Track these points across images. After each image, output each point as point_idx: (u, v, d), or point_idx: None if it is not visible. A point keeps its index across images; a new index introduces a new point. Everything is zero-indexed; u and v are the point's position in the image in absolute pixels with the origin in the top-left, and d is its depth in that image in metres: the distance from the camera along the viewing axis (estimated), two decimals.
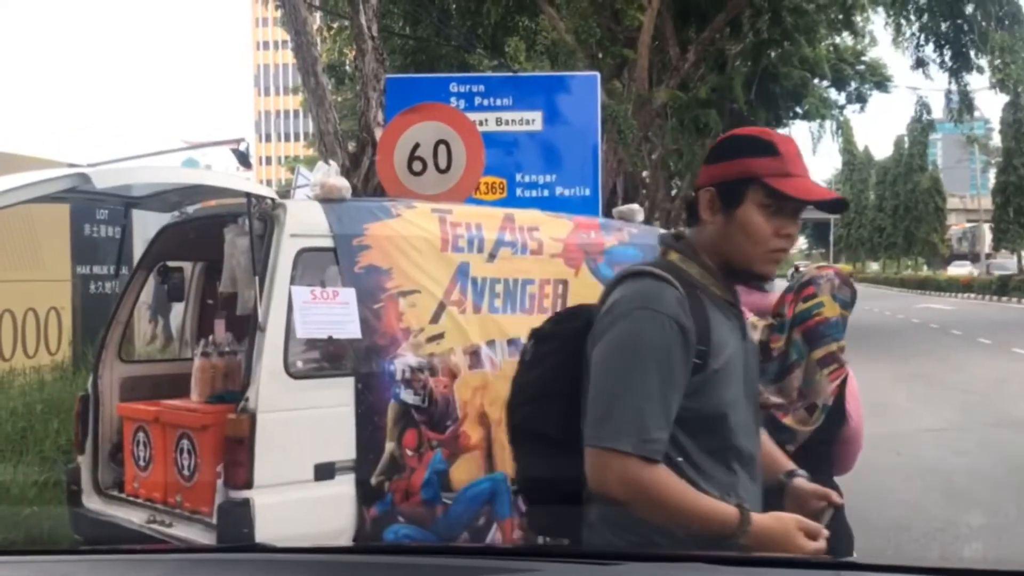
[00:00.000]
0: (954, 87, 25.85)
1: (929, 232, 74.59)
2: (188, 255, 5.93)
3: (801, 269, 6.01)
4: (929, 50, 25.18)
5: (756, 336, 3.78)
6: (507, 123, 9.98)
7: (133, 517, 5.01)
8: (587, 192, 9.99)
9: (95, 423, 5.44)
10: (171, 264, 5.85)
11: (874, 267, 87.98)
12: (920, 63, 25.42)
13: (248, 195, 4.63)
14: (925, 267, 74.13)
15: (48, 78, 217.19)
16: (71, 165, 6.80)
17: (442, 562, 2.11)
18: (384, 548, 3.67)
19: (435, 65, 20.09)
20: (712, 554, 1.92)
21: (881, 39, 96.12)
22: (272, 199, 4.71)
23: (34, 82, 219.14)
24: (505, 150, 9.76)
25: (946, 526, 6.84)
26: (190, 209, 5.46)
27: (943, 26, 24.41)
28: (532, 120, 10.03)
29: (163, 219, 5.73)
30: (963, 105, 26.10)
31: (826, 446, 3.81)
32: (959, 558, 6.38)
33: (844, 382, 3.78)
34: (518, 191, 9.79)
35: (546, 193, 9.83)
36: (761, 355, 3.68)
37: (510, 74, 13.39)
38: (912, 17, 24.94)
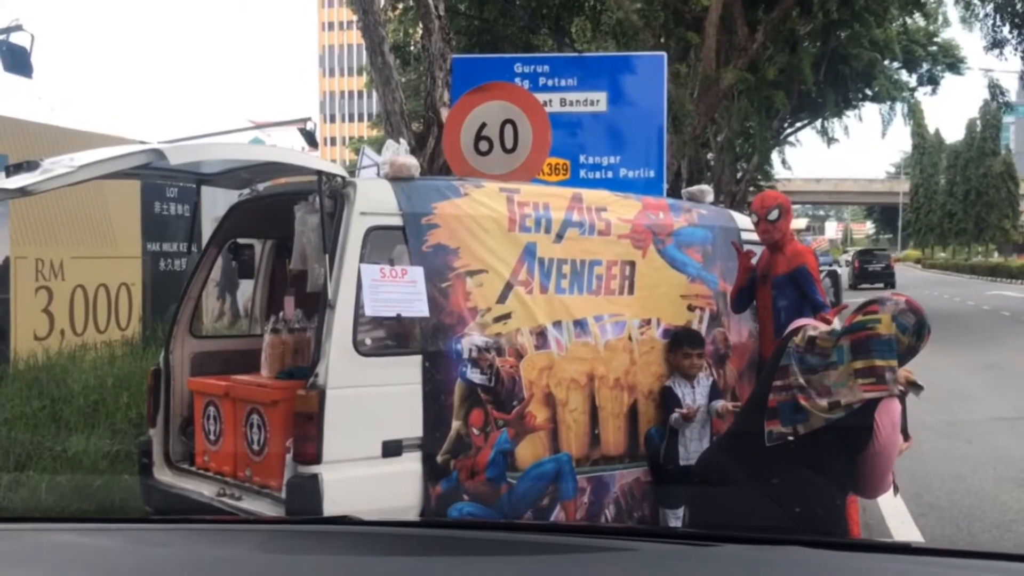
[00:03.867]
0: None
1: (1000, 218, 72.87)
2: (258, 232, 5.99)
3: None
4: (1006, 31, 24.56)
5: (811, 333, 4.04)
6: (571, 104, 9.90)
7: (203, 490, 5.08)
8: (651, 174, 9.89)
9: (167, 397, 5.52)
10: (241, 241, 5.92)
11: (942, 255, 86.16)
12: (996, 44, 24.78)
13: (319, 173, 4.64)
14: (996, 254, 72.36)
15: (116, 57, 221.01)
16: (141, 142, 6.91)
17: (538, 539, 2.10)
18: (474, 524, 3.66)
19: (499, 46, 20.01)
20: (808, 538, 1.91)
21: (954, 19, 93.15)
22: (343, 177, 4.72)
23: (103, 61, 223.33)
24: (569, 131, 9.67)
25: (1020, 516, 6.68)
26: (260, 187, 5.50)
27: (1019, 5, 23.76)
28: (597, 101, 9.94)
29: (231, 197, 5.79)
30: None
31: (851, 457, 3.92)
32: None
33: (880, 399, 3.85)
34: (582, 172, 9.72)
35: (610, 175, 9.75)
36: (808, 349, 4.01)
37: (575, 54, 13.26)
38: None
